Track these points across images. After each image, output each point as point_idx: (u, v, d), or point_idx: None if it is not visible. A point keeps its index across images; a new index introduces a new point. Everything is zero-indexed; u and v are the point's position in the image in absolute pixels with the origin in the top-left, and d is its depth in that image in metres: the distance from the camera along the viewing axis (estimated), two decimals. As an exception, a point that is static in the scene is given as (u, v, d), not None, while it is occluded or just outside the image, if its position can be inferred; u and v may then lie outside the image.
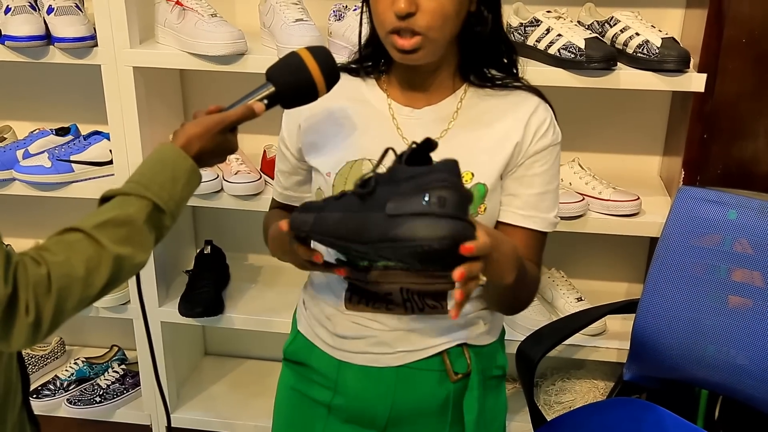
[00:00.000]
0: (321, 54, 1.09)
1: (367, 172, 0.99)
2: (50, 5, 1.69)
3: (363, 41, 1.20)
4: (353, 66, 1.21)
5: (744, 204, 1.53)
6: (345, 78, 1.17)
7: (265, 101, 1.08)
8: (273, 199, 1.32)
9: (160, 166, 1.01)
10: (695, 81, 1.56)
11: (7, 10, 1.68)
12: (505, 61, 1.18)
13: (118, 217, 0.95)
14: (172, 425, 2.08)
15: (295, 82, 1.09)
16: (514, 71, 1.19)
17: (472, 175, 1.12)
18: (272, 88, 1.09)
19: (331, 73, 1.10)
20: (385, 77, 1.19)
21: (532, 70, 1.59)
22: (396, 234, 0.89)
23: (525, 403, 1.56)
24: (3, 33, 1.69)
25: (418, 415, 1.21)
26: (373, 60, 1.20)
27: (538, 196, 1.16)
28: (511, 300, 1.15)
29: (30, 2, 1.71)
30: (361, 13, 1.17)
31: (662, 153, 1.93)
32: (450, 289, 1.16)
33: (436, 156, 0.97)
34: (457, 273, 0.89)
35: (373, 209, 0.93)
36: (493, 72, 1.18)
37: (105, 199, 0.98)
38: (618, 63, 1.58)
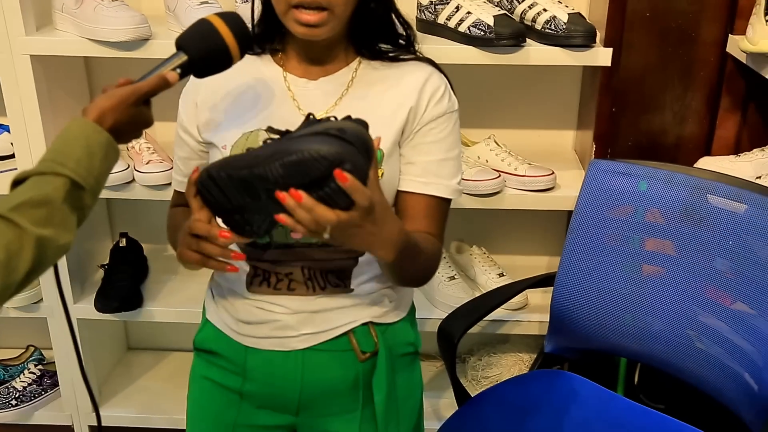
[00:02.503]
0: (232, 19, 1.07)
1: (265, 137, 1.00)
2: (-64, -8, 1.59)
3: (256, 19, 1.19)
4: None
5: (653, 175, 1.57)
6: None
7: (178, 70, 1.05)
8: (174, 192, 1.30)
9: (74, 142, 0.96)
10: (602, 55, 1.58)
11: None
12: (402, 39, 1.20)
13: (34, 198, 0.90)
14: (94, 425, 2.02)
15: (207, 48, 1.06)
16: (411, 48, 1.20)
17: None
18: (184, 57, 1.05)
19: (244, 37, 1.08)
20: (282, 54, 1.19)
21: (443, 48, 1.61)
22: (288, 148, 0.93)
23: (450, 380, 1.58)
24: None
25: (329, 397, 1.21)
26: (267, 37, 1.19)
27: (437, 163, 1.16)
28: (404, 275, 1.15)
29: None
30: None
31: (576, 127, 1.96)
32: (353, 266, 1.16)
33: None
34: (301, 195, 0.92)
35: (273, 152, 0.96)
36: (385, 46, 1.19)
37: (17, 182, 0.93)
38: (527, 39, 1.59)
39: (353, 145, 0.93)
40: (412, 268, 1.13)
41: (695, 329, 1.53)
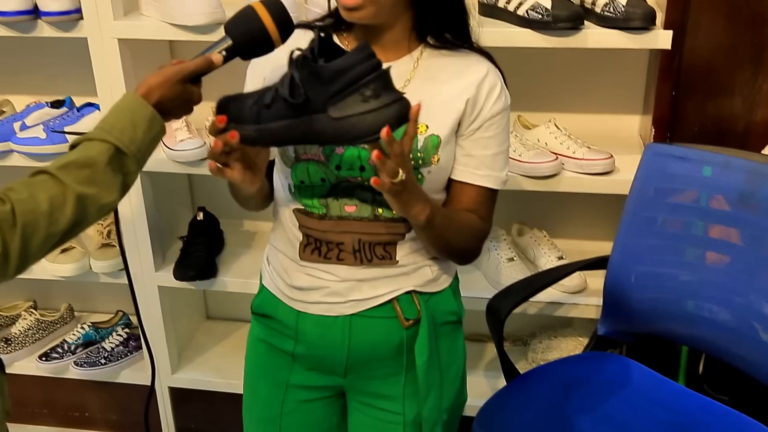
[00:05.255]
0: (274, 5, 1.14)
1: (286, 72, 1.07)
2: (37, -19, 1.75)
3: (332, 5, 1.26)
4: (318, 24, 1.27)
5: (718, 161, 1.55)
6: (310, 34, 1.23)
7: (224, 53, 1.14)
8: None
9: (121, 114, 1.07)
10: (662, 38, 1.57)
11: (-3, -14, 1.75)
12: (465, 28, 1.24)
13: (80, 159, 1.01)
14: (173, 386, 2.17)
15: (249, 33, 1.14)
16: (469, 35, 1.24)
17: (427, 127, 1.19)
18: (229, 41, 1.15)
19: (284, 23, 1.15)
20: (346, 34, 1.26)
21: (502, 32, 1.64)
22: (351, 134, 1.03)
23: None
24: (-7, 9, 1.76)
25: (374, 361, 1.27)
26: (336, 18, 1.26)
27: (492, 157, 1.23)
28: (440, 243, 1.22)
29: (19, -21, 1.77)
30: None
31: (642, 112, 1.94)
32: (399, 240, 1.22)
33: None
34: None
35: (309, 112, 1.05)
36: (448, 36, 1.23)
37: (73, 146, 1.05)
38: (586, 22, 1.60)
39: (394, 99, 1.03)
40: (446, 236, 1.20)
41: (761, 321, 1.50)
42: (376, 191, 1.15)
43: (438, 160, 1.20)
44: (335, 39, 1.24)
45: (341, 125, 1.03)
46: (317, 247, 1.25)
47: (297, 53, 1.06)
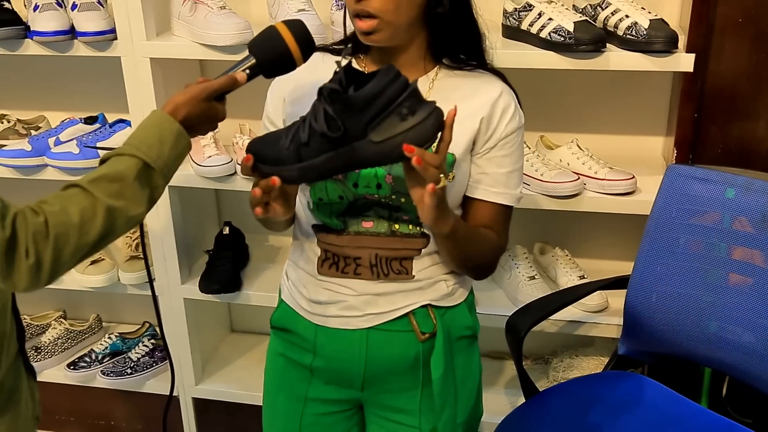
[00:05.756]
0: (296, 26, 1.18)
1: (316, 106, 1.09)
2: (74, 2, 1.81)
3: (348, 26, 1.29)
4: (336, 47, 1.31)
5: (741, 182, 1.55)
6: (328, 56, 1.28)
7: (247, 71, 1.18)
8: None
9: (149, 130, 1.12)
10: (684, 61, 1.59)
11: (36, 7, 1.82)
12: (479, 49, 1.27)
13: (110, 173, 1.06)
14: (197, 396, 2.20)
15: (272, 53, 1.18)
16: (483, 56, 1.27)
17: None
18: (253, 60, 1.19)
19: (306, 43, 1.19)
20: (363, 56, 1.29)
21: (525, 54, 1.66)
22: (395, 153, 1.06)
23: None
24: (32, 29, 1.82)
25: (391, 374, 1.30)
26: (353, 42, 1.29)
27: (506, 175, 1.26)
28: (464, 258, 1.24)
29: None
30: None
31: (665, 133, 1.95)
32: (416, 256, 1.24)
33: None
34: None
35: (349, 141, 1.07)
36: (463, 56, 1.26)
37: (103, 161, 1.10)
38: (608, 45, 1.62)
39: (430, 112, 1.06)
40: (466, 249, 1.22)
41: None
42: (393, 207, 1.18)
43: (453, 177, 1.22)
44: (353, 62, 1.28)
45: (384, 147, 1.06)
46: (335, 262, 1.27)
47: (325, 87, 1.07)
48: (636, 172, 1.77)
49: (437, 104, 1.07)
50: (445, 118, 1.06)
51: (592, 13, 1.69)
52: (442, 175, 1.06)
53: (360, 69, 1.15)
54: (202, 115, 1.15)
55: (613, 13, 1.64)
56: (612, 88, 1.93)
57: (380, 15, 1.14)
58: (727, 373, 1.69)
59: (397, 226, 1.24)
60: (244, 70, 1.18)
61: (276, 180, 1.10)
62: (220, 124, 1.21)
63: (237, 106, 1.26)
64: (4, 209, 0.96)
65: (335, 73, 1.08)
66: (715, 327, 1.59)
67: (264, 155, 1.12)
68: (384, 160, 1.08)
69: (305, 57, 1.19)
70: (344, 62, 1.10)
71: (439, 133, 1.07)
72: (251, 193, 1.12)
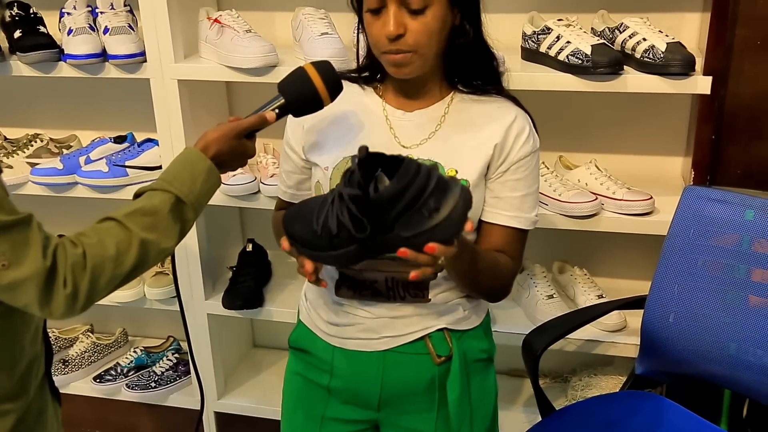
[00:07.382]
0: (324, 68, 1.23)
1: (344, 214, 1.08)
2: (106, 26, 1.88)
3: (363, 54, 1.33)
4: (353, 75, 1.34)
5: (759, 204, 1.56)
6: (345, 85, 1.30)
7: (277, 111, 1.23)
8: (278, 198, 1.46)
9: (182, 166, 1.17)
10: (701, 84, 1.60)
11: (70, 31, 1.88)
12: (494, 74, 1.30)
13: (144, 207, 1.11)
14: (219, 410, 2.24)
15: (301, 94, 1.23)
16: (497, 80, 1.30)
17: (456, 171, 1.24)
18: (282, 100, 1.24)
19: (334, 85, 1.23)
20: (381, 85, 1.32)
21: (543, 76, 1.69)
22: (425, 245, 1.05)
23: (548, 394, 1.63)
24: (66, 52, 1.89)
25: (407, 396, 1.32)
26: (370, 71, 1.32)
27: (521, 198, 1.28)
28: (474, 282, 1.26)
29: (89, 24, 1.91)
30: (358, 32, 1.30)
31: (684, 154, 1.96)
32: (433, 279, 1.26)
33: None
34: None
35: (378, 235, 1.07)
36: (478, 82, 1.29)
37: (137, 195, 1.15)
38: (625, 67, 1.64)
39: (455, 207, 1.04)
40: (476, 273, 1.24)
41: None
42: None
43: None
44: (366, 96, 1.31)
45: (414, 242, 1.05)
46: (352, 285, 1.30)
47: (345, 191, 1.06)
48: (655, 192, 1.78)
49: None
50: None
51: (610, 36, 1.71)
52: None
53: (375, 153, 1.09)
54: (232, 152, 1.19)
55: (630, 36, 1.66)
56: (631, 109, 1.95)
57: (415, 49, 1.18)
58: (747, 394, 1.69)
59: None
60: (273, 110, 1.23)
61: (310, 266, 1.14)
62: None
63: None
64: (46, 241, 1.01)
65: (351, 173, 1.06)
66: (734, 348, 1.58)
67: (300, 238, 1.14)
68: (417, 250, 1.06)
69: (332, 97, 1.23)
70: (357, 158, 1.05)
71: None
72: (280, 245, 1.17)
